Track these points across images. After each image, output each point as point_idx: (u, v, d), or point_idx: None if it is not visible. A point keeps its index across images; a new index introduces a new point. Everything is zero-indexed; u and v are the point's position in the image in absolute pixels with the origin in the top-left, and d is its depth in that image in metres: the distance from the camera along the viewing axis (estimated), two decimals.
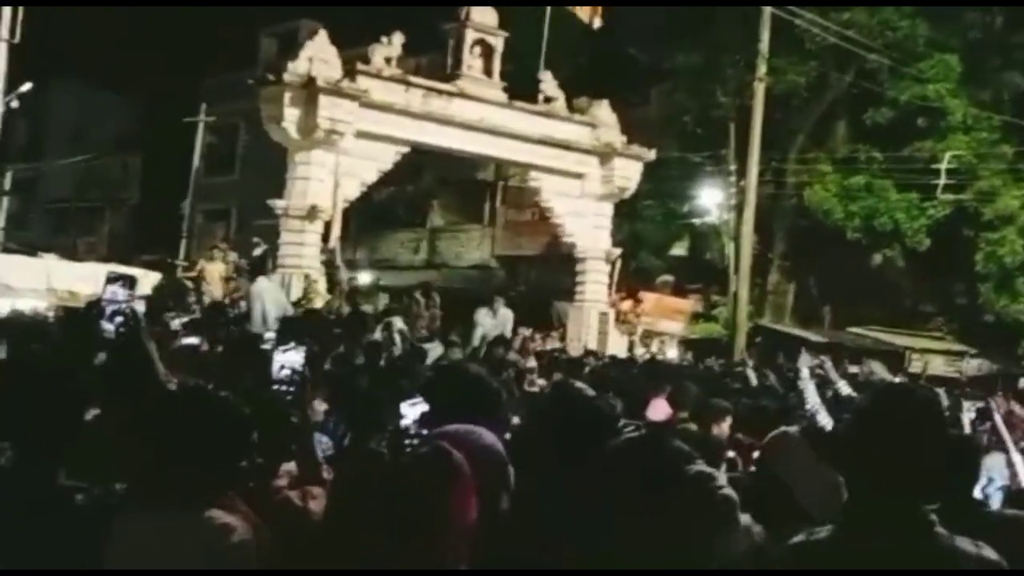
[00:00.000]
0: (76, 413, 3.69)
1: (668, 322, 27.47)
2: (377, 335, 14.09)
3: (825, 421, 8.73)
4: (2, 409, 3.63)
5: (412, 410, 4.15)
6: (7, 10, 26.58)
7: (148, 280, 18.86)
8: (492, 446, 3.77)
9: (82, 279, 17.00)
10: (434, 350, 13.45)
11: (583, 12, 23.72)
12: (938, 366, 26.10)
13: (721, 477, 3.36)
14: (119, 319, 4.21)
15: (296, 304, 17.72)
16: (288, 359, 4.25)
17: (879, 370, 17.38)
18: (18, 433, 3.52)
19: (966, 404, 11.09)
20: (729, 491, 3.29)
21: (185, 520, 3.20)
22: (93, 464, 3.60)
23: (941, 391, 13.54)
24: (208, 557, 3.18)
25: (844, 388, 10.99)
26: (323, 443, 5.23)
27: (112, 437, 3.78)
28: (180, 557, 3.18)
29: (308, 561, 3.68)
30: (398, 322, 15.79)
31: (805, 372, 10.01)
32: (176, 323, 12.51)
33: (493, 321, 19.49)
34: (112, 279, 4.26)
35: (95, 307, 4.44)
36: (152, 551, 3.20)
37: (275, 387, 4.24)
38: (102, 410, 4.16)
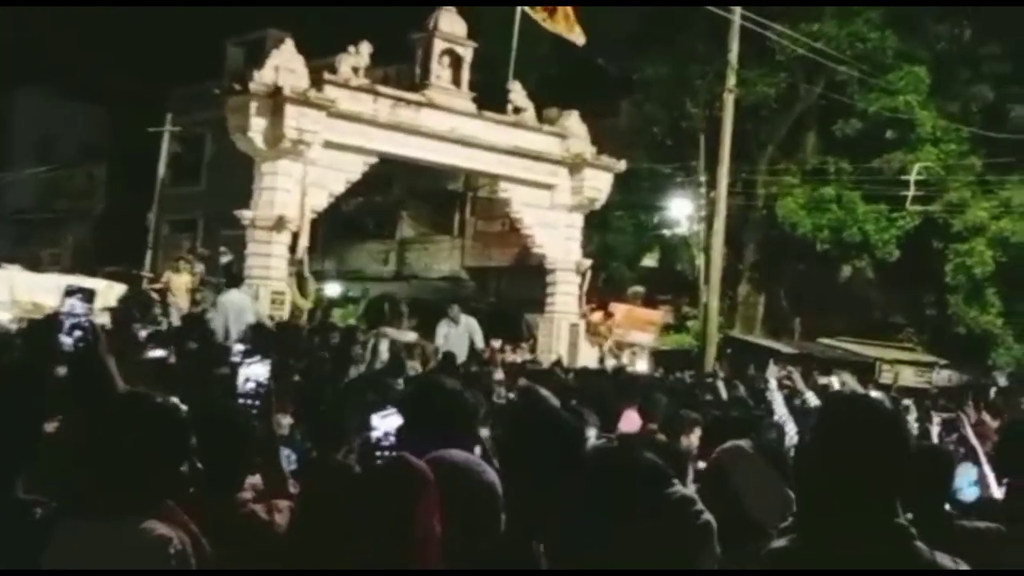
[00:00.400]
0: (35, 427, 3.59)
1: (639, 333, 27.41)
2: (366, 346, 14.02)
3: (792, 431, 8.72)
4: None
5: (384, 422, 4.05)
6: None
7: (113, 292, 18.67)
8: (493, 484, 3.67)
9: (46, 290, 16.80)
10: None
11: (567, 30, 23.65)
12: (908, 377, 26.17)
13: (693, 493, 3.25)
14: (78, 333, 4.10)
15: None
16: (253, 372, 4.16)
17: (850, 381, 17.35)
18: None
19: (935, 416, 11.08)
20: (708, 516, 3.21)
21: (120, 531, 3.10)
22: (51, 478, 3.50)
23: (910, 402, 13.58)
24: (144, 568, 3.10)
25: (812, 399, 10.98)
26: (288, 456, 5.12)
27: (67, 451, 3.66)
28: (115, 568, 3.09)
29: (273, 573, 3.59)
30: (392, 332, 15.69)
31: (773, 383, 10.01)
32: (142, 335, 12.34)
33: (456, 330, 19.33)
34: (70, 292, 4.14)
35: (53, 320, 4.32)
36: (87, 562, 3.10)
37: (240, 400, 4.15)
38: (60, 424, 4.06)
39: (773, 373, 10.58)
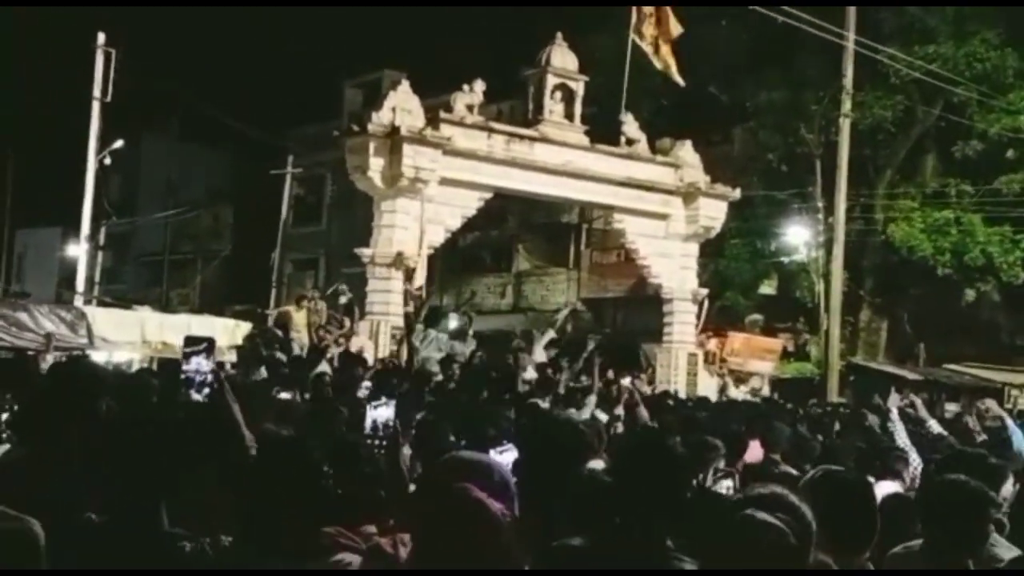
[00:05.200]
0: (171, 463, 3.76)
1: (758, 362, 27.15)
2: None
3: (916, 461, 8.61)
4: (109, 460, 3.73)
5: (502, 458, 4.20)
6: (99, 69, 27.38)
7: (240, 330, 19.21)
8: (505, 477, 3.78)
9: (174, 330, 17.27)
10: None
11: (666, 68, 23.73)
12: None
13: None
14: (206, 390, 4.34)
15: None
16: (380, 414, 4.33)
17: (994, 408, 16.88)
18: (124, 482, 3.60)
19: None
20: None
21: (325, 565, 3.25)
22: (194, 515, 3.68)
23: None
24: None
25: (935, 427, 10.83)
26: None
27: (207, 492, 3.85)
28: None
29: None
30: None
31: (894, 412, 9.91)
32: (263, 374, 12.70)
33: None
34: (193, 351, 4.37)
35: (181, 377, 4.57)
36: None
37: (368, 440, 4.32)
38: (196, 468, 4.26)
39: (895, 402, 10.45)
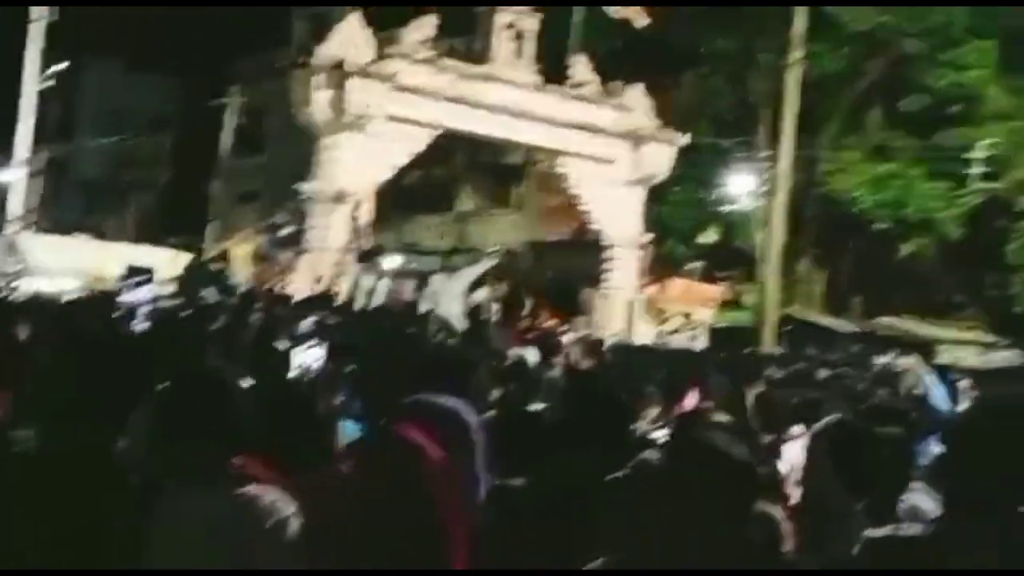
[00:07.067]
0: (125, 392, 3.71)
1: (697, 309, 27.27)
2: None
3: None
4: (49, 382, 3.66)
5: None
6: None
7: (179, 261, 19.00)
8: (468, 422, 3.78)
9: (112, 260, 17.07)
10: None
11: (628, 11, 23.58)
12: (967, 357, 25.74)
13: None
14: (149, 321, 4.30)
15: None
16: (311, 355, 4.30)
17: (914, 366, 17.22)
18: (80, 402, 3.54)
19: None
20: None
21: (230, 498, 3.19)
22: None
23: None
24: (259, 531, 3.16)
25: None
26: (348, 429, 5.25)
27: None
28: (234, 533, 3.16)
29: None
30: None
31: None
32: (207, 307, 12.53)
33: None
34: (136, 282, 4.34)
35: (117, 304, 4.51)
36: (201, 532, 3.17)
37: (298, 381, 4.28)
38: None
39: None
